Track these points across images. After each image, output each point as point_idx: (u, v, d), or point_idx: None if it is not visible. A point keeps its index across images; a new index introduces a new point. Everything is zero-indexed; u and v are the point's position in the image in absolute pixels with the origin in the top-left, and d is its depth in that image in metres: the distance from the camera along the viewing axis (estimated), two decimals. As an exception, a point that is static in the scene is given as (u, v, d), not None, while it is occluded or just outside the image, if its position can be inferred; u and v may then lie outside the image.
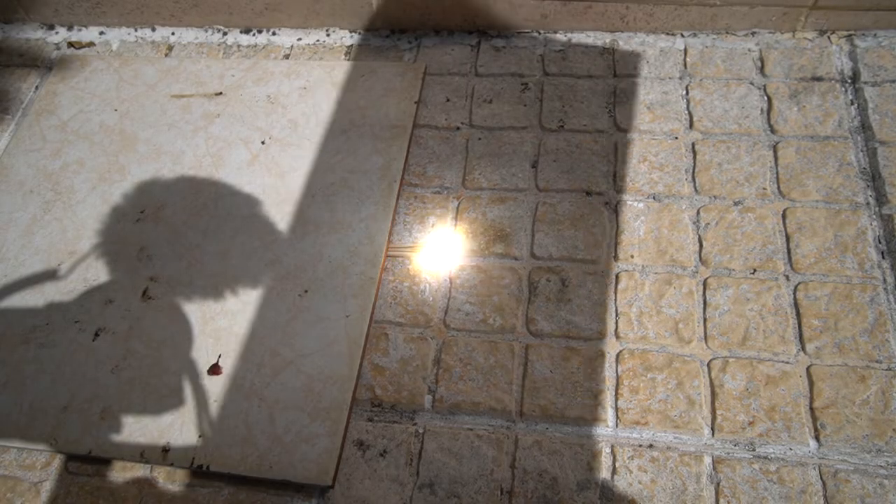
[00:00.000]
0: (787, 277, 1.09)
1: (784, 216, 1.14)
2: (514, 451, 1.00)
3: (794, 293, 1.07)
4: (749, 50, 1.34)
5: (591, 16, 1.38)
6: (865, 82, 1.26)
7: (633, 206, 1.19)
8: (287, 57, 1.49)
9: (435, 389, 1.06)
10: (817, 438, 0.96)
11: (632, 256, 1.14)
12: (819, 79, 1.28)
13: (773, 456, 0.96)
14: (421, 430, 1.03)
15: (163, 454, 1.02)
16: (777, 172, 1.19)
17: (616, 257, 1.14)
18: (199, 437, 1.03)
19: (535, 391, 1.04)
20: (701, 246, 1.13)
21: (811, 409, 0.98)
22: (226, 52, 1.52)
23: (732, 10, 1.32)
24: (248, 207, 1.26)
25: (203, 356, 1.10)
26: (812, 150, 1.20)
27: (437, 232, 1.21)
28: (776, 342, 1.04)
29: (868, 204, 1.14)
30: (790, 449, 0.96)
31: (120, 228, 1.26)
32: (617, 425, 1.00)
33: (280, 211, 1.24)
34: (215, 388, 1.07)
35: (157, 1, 1.51)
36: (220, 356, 1.10)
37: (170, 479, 1.03)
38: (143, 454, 1.03)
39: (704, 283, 1.10)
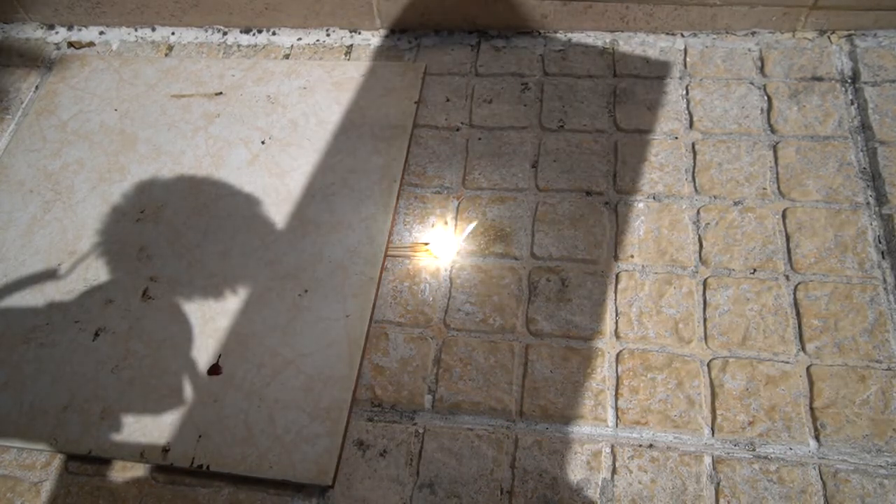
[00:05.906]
0: (787, 277, 1.09)
1: (784, 216, 1.14)
2: (514, 451, 1.00)
3: (794, 293, 1.07)
4: (749, 50, 1.34)
5: (591, 16, 1.38)
6: (865, 82, 1.26)
7: (633, 206, 1.19)
8: (287, 57, 1.49)
9: (435, 389, 1.06)
10: (817, 438, 0.96)
11: (632, 256, 1.14)
12: (819, 79, 1.28)
13: (773, 456, 0.96)
14: (421, 430, 1.03)
15: (163, 454, 1.02)
16: (777, 172, 1.19)
17: (616, 257, 1.14)
18: (199, 437, 1.03)
19: (535, 391, 1.04)
20: (701, 246, 1.13)
21: (811, 409, 0.98)
22: (226, 52, 1.52)
23: (732, 10, 1.32)
24: (248, 207, 1.26)
25: (203, 356, 1.10)
26: (812, 150, 1.20)
27: (437, 232, 1.21)
28: (776, 342, 1.04)
29: (868, 204, 1.14)
30: (790, 449, 0.96)
31: (120, 228, 1.26)
32: (617, 425, 1.00)
33: (280, 211, 1.24)
34: (215, 388, 1.07)
35: (157, 1, 1.51)
36: (220, 356, 1.10)
37: (170, 479, 1.03)
38: (143, 454, 1.03)
39: (704, 283, 1.10)
